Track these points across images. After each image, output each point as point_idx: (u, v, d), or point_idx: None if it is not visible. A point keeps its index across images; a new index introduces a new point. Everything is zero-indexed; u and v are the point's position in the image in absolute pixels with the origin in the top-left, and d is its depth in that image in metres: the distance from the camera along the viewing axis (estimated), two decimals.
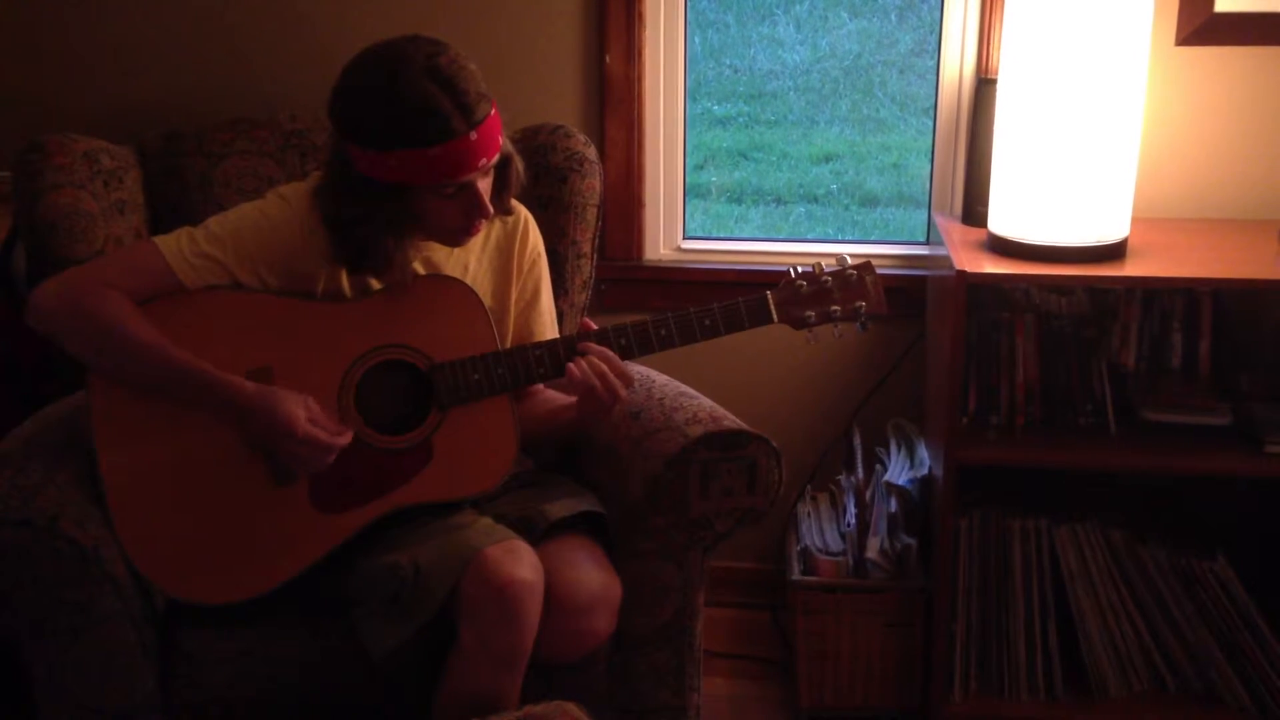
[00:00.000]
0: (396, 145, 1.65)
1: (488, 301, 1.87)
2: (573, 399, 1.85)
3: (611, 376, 1.76)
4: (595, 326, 1.81)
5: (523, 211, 1.95)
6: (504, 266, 1.94)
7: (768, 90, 4.44)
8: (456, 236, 1.79)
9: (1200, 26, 2.26)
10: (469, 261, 1.90)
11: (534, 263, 1.97)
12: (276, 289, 1.79)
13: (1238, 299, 2.25)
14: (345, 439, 1.72)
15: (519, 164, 1.81)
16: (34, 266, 2.03)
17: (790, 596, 2.32)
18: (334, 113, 1.71)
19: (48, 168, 2.00)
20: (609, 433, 1.95)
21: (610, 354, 1.78)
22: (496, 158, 1.72)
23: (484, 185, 1.74)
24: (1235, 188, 2.33)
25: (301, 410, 1.69)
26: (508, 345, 1.90)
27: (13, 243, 2.25)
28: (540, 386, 1.92)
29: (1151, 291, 2.22)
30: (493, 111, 1.69)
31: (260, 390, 1.70)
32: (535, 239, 1.97)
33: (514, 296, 1.95)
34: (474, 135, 1.66)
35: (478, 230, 1.78)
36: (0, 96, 2.52)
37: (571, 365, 1.76)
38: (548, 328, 1.99)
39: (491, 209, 1.75)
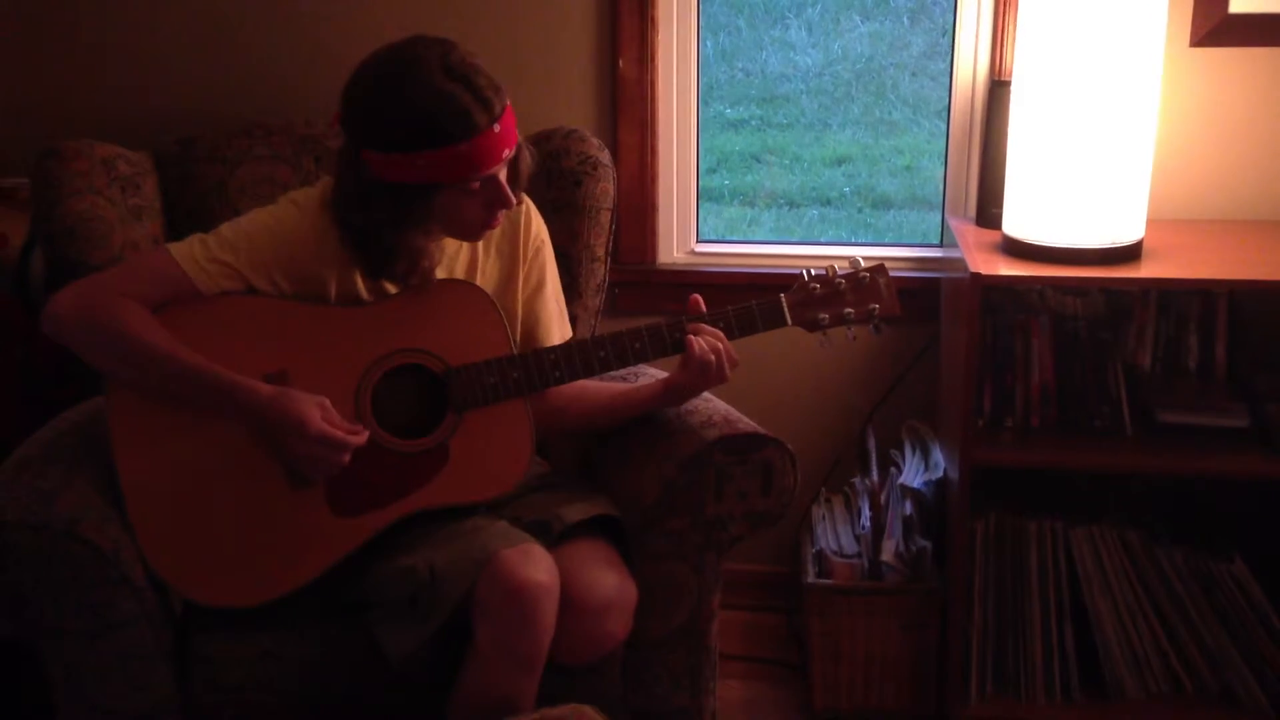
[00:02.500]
0: (423, 147, 1.65)
1: (495, 288, 1.87)
2: (638, 385, 1.88)
3: (724, 355, 1.81)
4: (704, 307, 1.85)
5: (525, 199, 1.96)
6: (510, 254, 1.94)
7: (780, 93, 4.44)
8: (478, 231, 1.80)
9: (1215, 27, 2.26)
10: (478, 253, 1.90)
11: (538, 249, 1.96)
12: (291, 294, 1.80)
13: (1254, 300, 2.25)
14: (360, 439, 1.73)
15: (527, 152, 1.82)
16: (51, 272, 2.04)
17: (805, 599, 2.31)
18: (348, 122, 1.71)
19: (65, 174, 2.02)
20: (623, 435, 1.96)
21: (720, 333, 1.82)
22: (516, 147, 1.74)
23: (503, 176, 1.75)
24: (1251, 188, 2.33)
25: (316, 411, 1.70)
26: (517, 333, 1.91)
27: (30, 248, 2.26)
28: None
29: (1167, 293, 2.22)
30: (508, 102, 1.70)
31: (275, 392, 1.71)
32: (538, 225, 1.97)
33: (520, 283, 1.95)
34: (497, 128, 1.67)
35: (498, 223, 1.79)
36: (18, 103, 2.54)
37: (692, 339, 1.80)
38: (554, 316, 1.98)
39: (514, 199, 1.76)
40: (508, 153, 1.71)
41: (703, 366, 1.80)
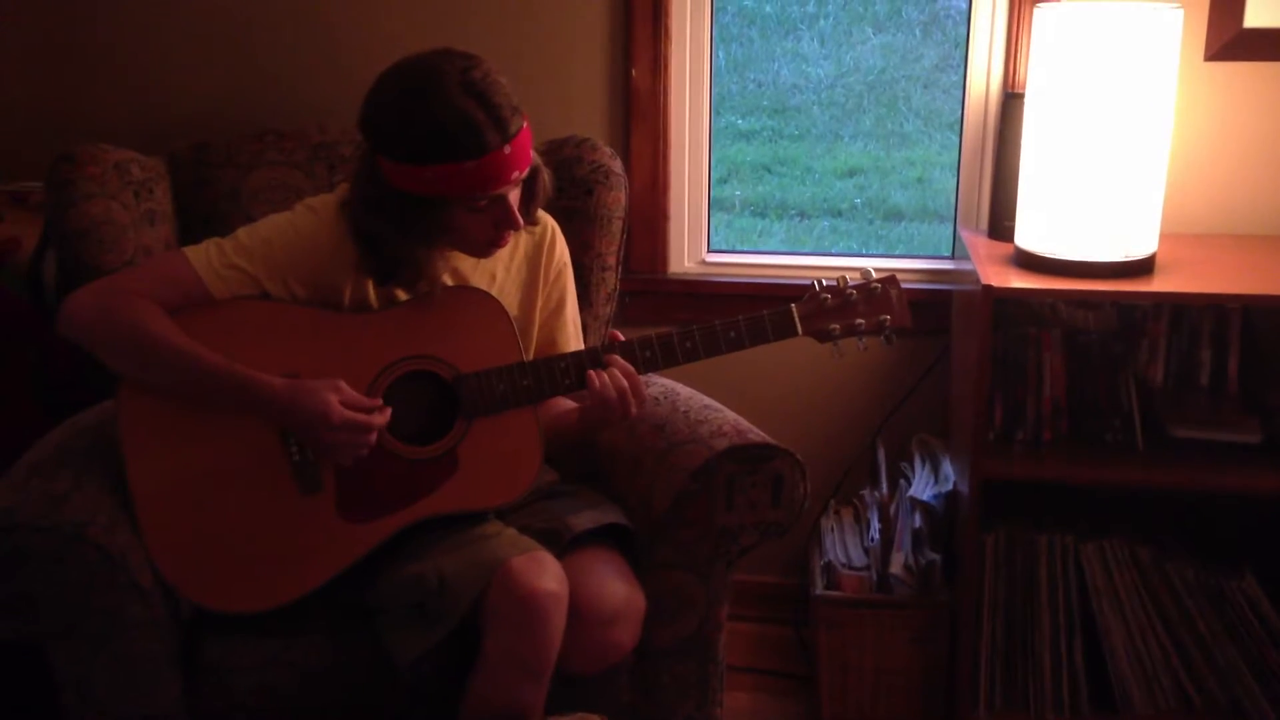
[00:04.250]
0: (431, 160, 1.66)
1: (514, 311, 1.87)
2: (577, 405, 1.85)
3: (629, 393, 1.76)
4: (623, 339, 1.81)
5: (550, 222, 1.96)
6: (531, 276, 1.94)
7: (792, 105, 4.45)
8: (485, 249, 1.80)
9: (1229, 42, 2.25)
10: (496, 271, 1.91)
11: (560, 272, 1.98)
12: (304, 300, 1.80)
13: (1267, 315, 2.24)
14: (383, 418, 1.73)
15: (546, 176, 1.82)
16: (64, 276, 2.05)
17: (813, 611, 2.31)
18: (366, 127, 1.72)
19: (79, 178, 2.02)
20: (634, 445, 1.95)
21: (632, 370, 1.77)
22: (528, 170, 1.73)
23: (514, 197, 1.75)
24: (1265, 203, 2.32)
25: (334, 396, 1.70)
26: (532, 355, 1.91)
27: (43, 252, 2.27)
28: None
29: (1180, 307, 2.21)
30: (525, 125, 1.70)
31: (291, 385, 1.71)
32: (562, 249, 1.98)
33: (539, 305, 1.96)
34: (508, 149, 1.67)
35: (505, 242, 1.79)
36: (32, 108, 2.55)
37: (592, 373, 1.76)
38: (571, 336, 1.99)
39: (521, 221, 1.76)
40: (517, 175, 1.71)
41: (600, 401, 1.76)
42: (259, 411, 1.73)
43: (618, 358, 1.78)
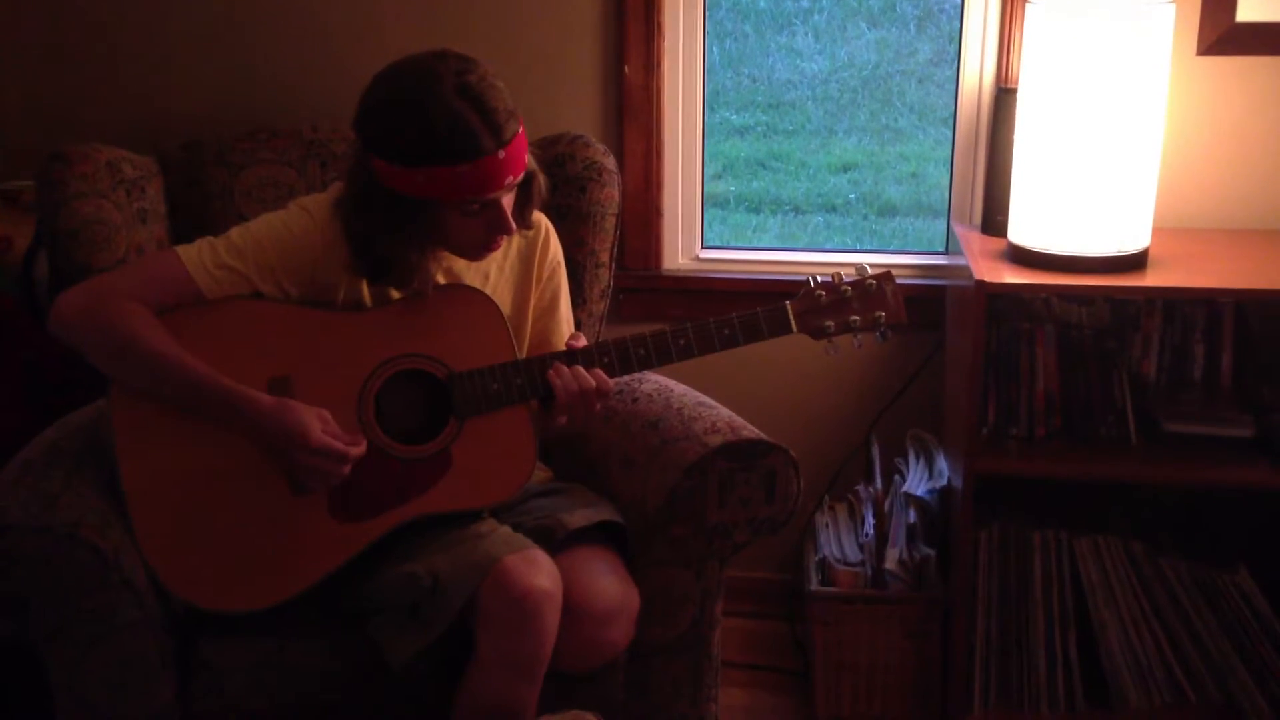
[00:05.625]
0: (425, 162, 1.65)
1: (507, 310, 1.87)
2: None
3: (591, 393, 1.76)
4: (582, 344, 1.81)
5: (544, 221, 1.96)
6: (524, 275, 1.94)
7: (786, 100, 4.45)
8: (477, 252, 1.80)
9: (1221, 36, 2.25)
10: (489, 270, 1.90)
11: (553, 271, 1.97)
12: (297, 299, 1.80)
13: (1260, 310, 2.24)
14: (359, 450, 1.73)
15: (541, 180, 1.82)
16: (56, 275, 2.04)
17: (808, 607, 2.31)
18: (360, 127, 1.71)
19: (71, 177, 2.02)
20: (627, 442, 1.95)
21: (581, 372, 1.77)
22: (522, 175, 1.73)
23: (507, 201, 1.74)
24: (1257, 198, 2.32)
25: (316, 422, 1.70)
26: (525, 353, 1.91)
27: (35, 251, 2.27)
28: None
29: (1173, 302, 2.21)
30: (520, 129, 1.69)
31: (275, 403, 1.71)
32: (555, 248, 1.98)
33: (532, 303, 1.95)
34: (502, 154, 1.66)
35: (498, 246, 1.79)
36: (24, 106, 2.55)
37: (552, 377, 1.76)
38: (564, 337, 1.98)
39: (514, 226, 1.76)
40: (511, 180, 1.70)
41: (568, 403, 1.77)
42: (240, 424, 1.72)
43: (599, 370, 1.78)
